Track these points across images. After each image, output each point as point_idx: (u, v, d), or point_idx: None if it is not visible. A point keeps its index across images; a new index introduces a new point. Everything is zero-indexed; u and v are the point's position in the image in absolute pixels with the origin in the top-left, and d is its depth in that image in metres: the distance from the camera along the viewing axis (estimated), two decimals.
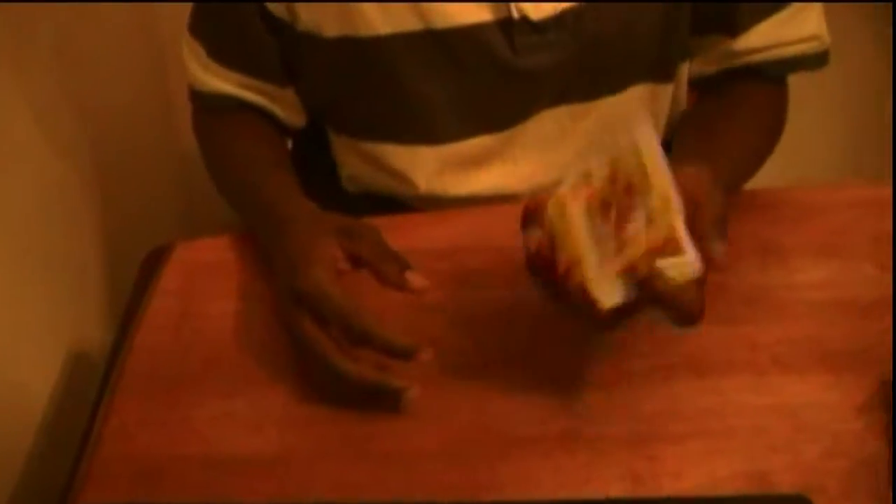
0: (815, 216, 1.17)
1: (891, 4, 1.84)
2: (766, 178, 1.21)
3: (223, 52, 1.22)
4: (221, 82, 1.24)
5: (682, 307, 0.85)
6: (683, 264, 0.83)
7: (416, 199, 1.28)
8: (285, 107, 1.28)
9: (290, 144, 1.38)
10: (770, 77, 1.22)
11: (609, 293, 0.85)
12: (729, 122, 1.19)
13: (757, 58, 1.19)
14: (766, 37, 1.17)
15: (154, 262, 1.21)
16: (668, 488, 0.90)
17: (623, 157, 0.87)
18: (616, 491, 0.91)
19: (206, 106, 1.28)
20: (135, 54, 1.75)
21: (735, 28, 1.17)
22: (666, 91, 1.26)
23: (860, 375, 0.98)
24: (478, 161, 1.25)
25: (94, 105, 1.57)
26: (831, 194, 1.21)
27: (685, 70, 1.27)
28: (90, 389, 1.21)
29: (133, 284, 1.32)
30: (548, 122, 1.22)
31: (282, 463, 0.96)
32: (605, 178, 0.88)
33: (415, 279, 1.01)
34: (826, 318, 1.05)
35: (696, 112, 1.28)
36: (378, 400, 0.98)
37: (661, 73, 1.24)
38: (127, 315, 1.23)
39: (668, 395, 0.98)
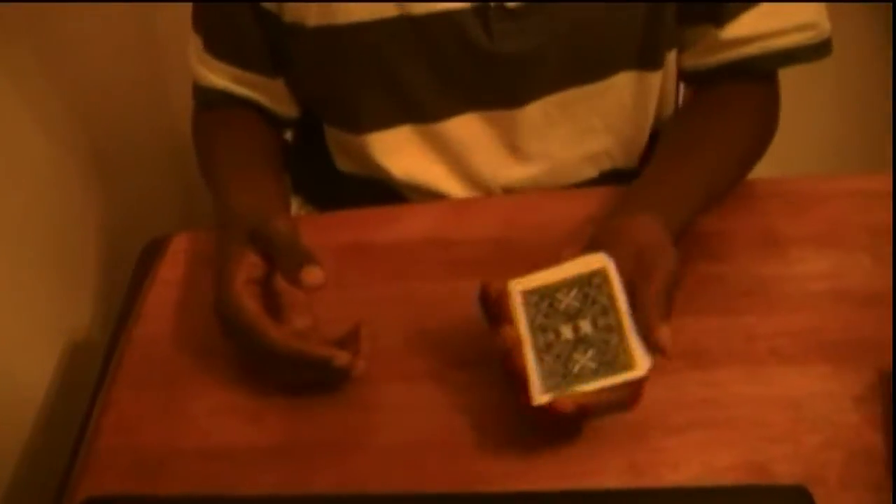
0: (813, 207, 1.17)
1: (891, 4, 1.84)
2: (764, 174, 1.21)
3: (217, 45, 1.23)
4: (215, 77, 1.25)
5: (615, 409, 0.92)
6: (628, 378, 0.90)
7: (405, 186, 1.29)
8: (277, 99, 1.28)
9: (288, 134, 1.38)
10: (762, 74, 1.21)
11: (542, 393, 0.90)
12: (715, 126, 1.18)
13: (747, 50, 1.18)
14: (754, 26, 1.16)
15: (152, 253, 1.22)
16: (668, 479, 0.91)
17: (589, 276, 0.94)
18: (616, 482, 0.91)
19: (202, 101, 1.28)
20: (131, 48, 1.75)
21: (722, 17, 1.16)
22: (654, 79, 1.25)
23: (859, 366, 0.98)
24: (468, 145, 1.25)
25: (91, 98, 1.57)
26: (830, 185, 1.21)
27: (673, 59, 1.26)
28: (88, 381, 1.21)
29: (131, 275, 1.32)
30: (539, 109, 1.22)
31: (282, 455, 0.96)
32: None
33: (308, 275, 0.94)
34: (825, 309, 1.05)
35: (684, 114, 1.27)
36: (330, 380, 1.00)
37: (647, 60, 1.22)
38: (125, 306, 1.23)
39: (666, 386, 0.97)
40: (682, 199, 1.07)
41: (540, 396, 0.88)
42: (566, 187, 1.28)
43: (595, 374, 0.89)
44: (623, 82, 1.23)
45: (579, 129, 1.25)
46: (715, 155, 1.15)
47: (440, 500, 0.91)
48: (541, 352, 0.91)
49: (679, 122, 1.26)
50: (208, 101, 1.27)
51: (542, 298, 0.93)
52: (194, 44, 1.25)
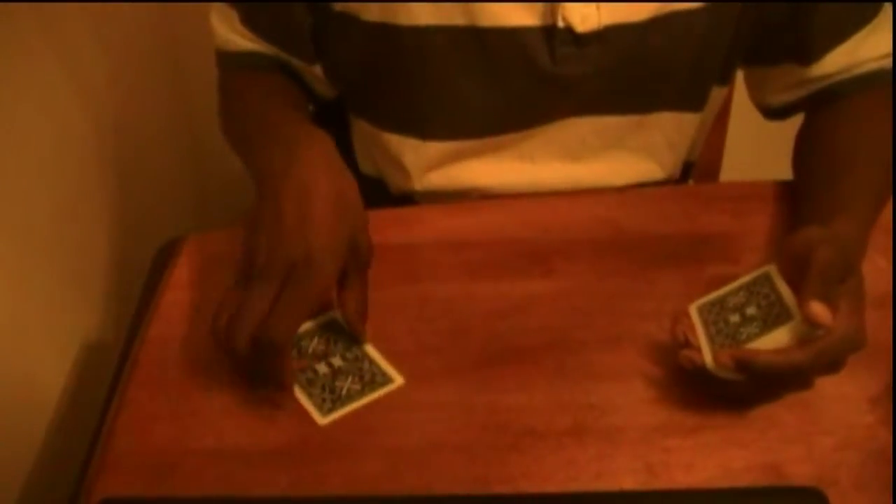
0: None
1: (890, 5, 1.84)
2: (775, 176, 1.21)
3: (256, 23, 1.21)
4: (254, 44, 1.23)
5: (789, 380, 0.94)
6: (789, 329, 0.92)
7: (419, 192, 1.28)
8: (313, 80, 1.28)
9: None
10: (849, 93, 1.20)
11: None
12: (853, 135, 1.17)
13: (832, 80, 1.19)
14: (839, 62, 1.17)
15: (166, 255, 1.21)
16: (682, 480, 0.90)
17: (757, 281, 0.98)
18: (629, 483, 0.91)
19: (237, 63, 1.26)
20: (148, 49, 1.75)
21: (808, 57, 1.18)
22: (693, 120, 1.26)
23: (873, 368, 0.98)
24: (490, 151, 1.24)
25: (107, 100, 1.57)
26: None
27: (719, 95, 1.27)
28: (102, 382, 1.22)
29: (146, 277, 1.32)
30: (570, 129, 1.22)
31: (296, 456, 0.96)
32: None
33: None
34: None
35: (812, 134, 1.23)
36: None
37: (689, 103, 1.24)
38: (139, 308, 1.23)
39: (680, 386, 0.98)
40: (861, 201, 1.06)
41: (709, 357, 0.93)
42: (582, 189, 1.27)
43: (759, 336, 0.93)
44: (660, 120, 1.23)
45: (607, 154, 1.25)
46: (865, 167, 1.12)
47: (452, 502, 0.91)
48: (711, 337, 0.95)
49: (814, 148, 1.21)
50: (244, 63, 1.25)
51: (713, 306, 0.98)
52: (225, 15, 1.22)
